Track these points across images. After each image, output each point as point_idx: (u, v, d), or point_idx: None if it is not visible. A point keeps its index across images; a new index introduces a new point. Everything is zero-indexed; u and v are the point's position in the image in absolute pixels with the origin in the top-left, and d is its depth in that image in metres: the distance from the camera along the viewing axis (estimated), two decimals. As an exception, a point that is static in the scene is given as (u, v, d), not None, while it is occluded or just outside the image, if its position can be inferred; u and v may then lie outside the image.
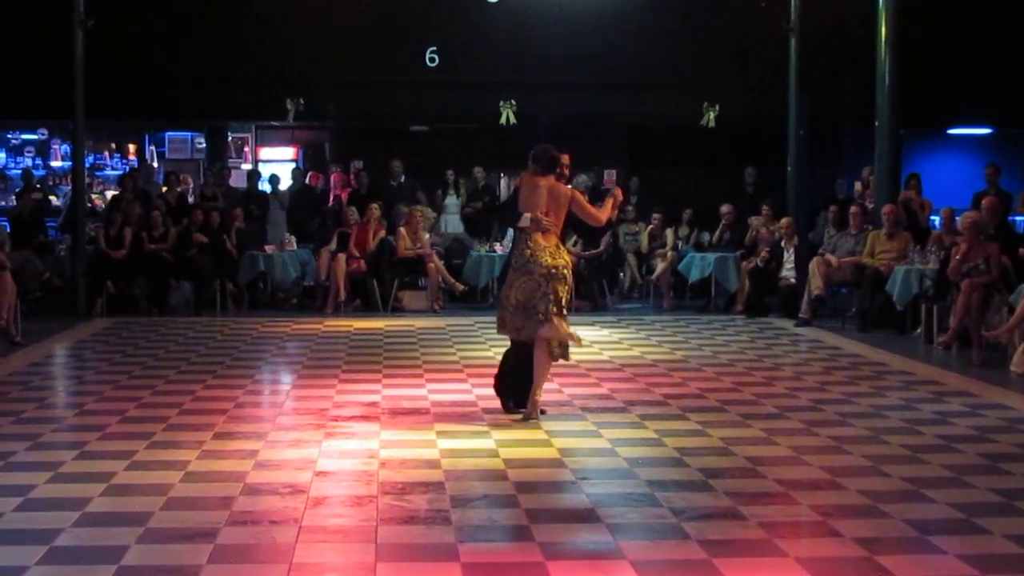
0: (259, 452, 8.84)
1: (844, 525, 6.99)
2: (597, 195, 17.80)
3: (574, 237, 17.35)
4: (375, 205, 19.66)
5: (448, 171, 21.97)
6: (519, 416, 10.12)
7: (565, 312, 10.14)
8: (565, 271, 10.11)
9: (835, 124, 23.46)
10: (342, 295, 18.82)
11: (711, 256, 19.41)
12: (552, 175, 10.26)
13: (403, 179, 21.60)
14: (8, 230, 18.86)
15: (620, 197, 11.01)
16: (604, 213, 10.62)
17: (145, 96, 23.01)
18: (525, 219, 10.11)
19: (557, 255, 10.10)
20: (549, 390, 11.20)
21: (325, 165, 25.05)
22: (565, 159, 10.57)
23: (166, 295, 19.03)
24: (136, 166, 24.21)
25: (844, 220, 18.13)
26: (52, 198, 22.79)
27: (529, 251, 10.10)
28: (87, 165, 21.32)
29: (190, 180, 22.98)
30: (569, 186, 10.62)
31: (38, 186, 22.43)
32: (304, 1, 22.04)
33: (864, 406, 10.94)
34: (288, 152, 26.14)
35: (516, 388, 10.35)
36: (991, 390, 11.79)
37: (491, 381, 10.73)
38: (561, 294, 10.06)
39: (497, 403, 10.56)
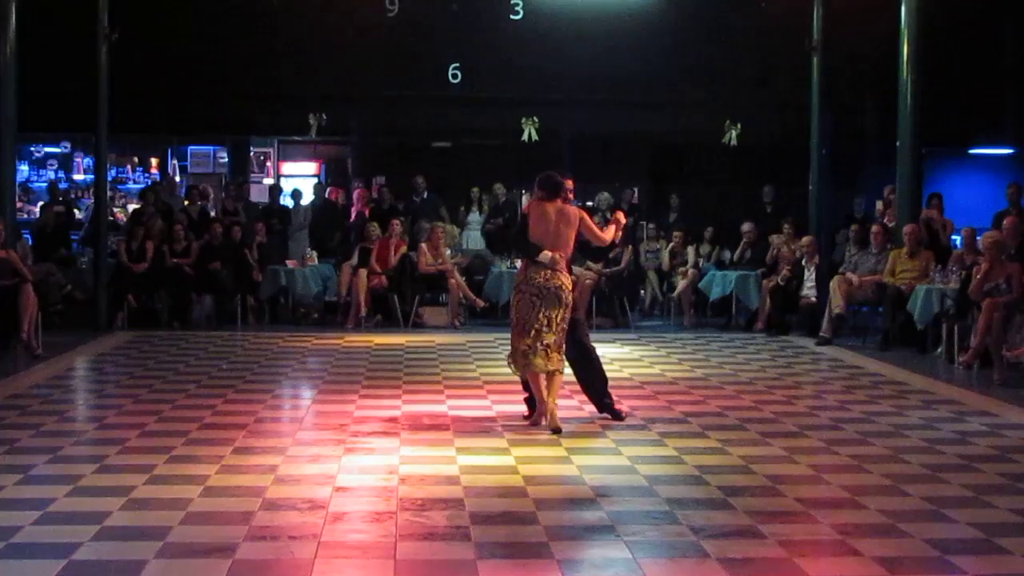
0: (279, 467, 8.84)
1: (864, 544, 6.97)
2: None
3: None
4: (397, 221, 19.69)
5: (473, 188, 22.00)
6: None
7: (553, 333, 10.44)
8: (561, 293, 10.44)
9: (857, 143, 23.44)
10: (363, 310, 18.83)
11: (732, 274, 19.38)
12: (558, 199, 10.59)
13: (426, 195, 21.62)
14: (31, 243, 18.95)
15: (622, 220, 11.32)
16: (608, 234, 11.04)
17: (168, 110, 23.13)
18: (546, 256, 10.46)
19: (552, 275, 10.43)
20: (568, 407, 11.22)
21: (347, 180, 25.11)
22: (569, 183, 10.76)
23: (187, 309, 19.08)
24: (159, 180, 24.29)
25: (865, 239, 18.08)
26: (76, 211, 22.85)
27: (519, 277, 10.65)
28: (109, 178, 21.39)
29: (211, 192, 23.03)
30: (577, 207, 10.88)
31: (60, 199, 22.51)
32: (327, 17, 22.09)
33: (884, 425, 10.90)
34: (310, 167, 26.20)
35: (594, 387, 10.97)
36: (1012, 410, 11.74)
37: (512, 397, 10.77)
38: (553, 315, 10.43)
39: (517, 420, 10.66)
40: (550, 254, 10.44)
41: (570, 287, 10.56)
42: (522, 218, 11.07)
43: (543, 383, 10.54)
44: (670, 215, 22.11)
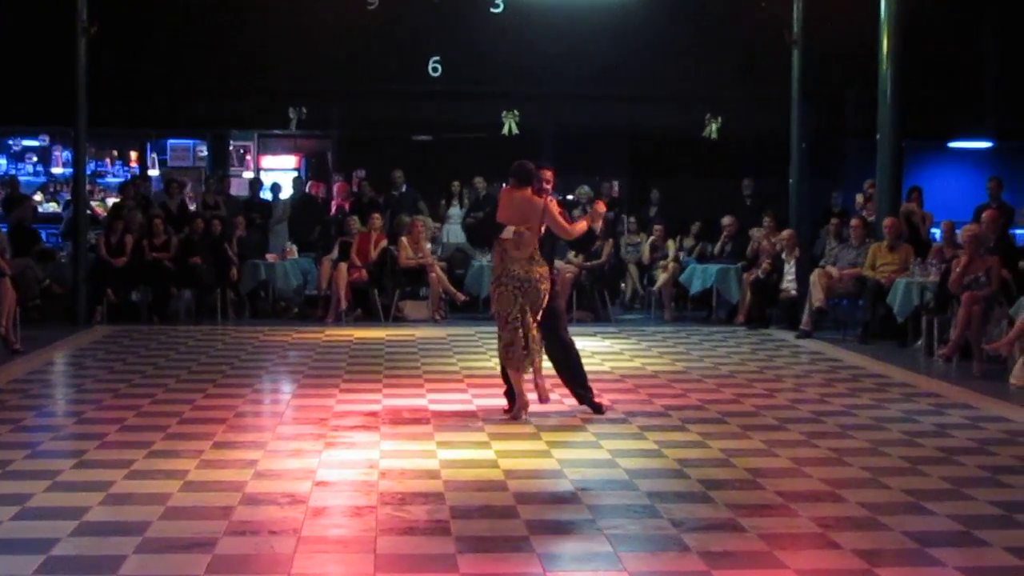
0: (259, 462, 8.83)
1: (844, 537, 6.98)
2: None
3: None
4: (377, 215, 19.67)
5: (454, 182, 21.99)
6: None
7: (532, 322, 10.50)
8: (540, 285, 10.47)
9: (837, 136, 23.49)
10: (343, 304, 18.80)
11: (713, 267, 19.39)
12: (527, 188, 10.60)
13: (405, 189, 21.58)
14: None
15: (601, 211, 11.14)
16: (577, 227, 10.77)
17: (147, 103, 23.06)
18: (508, 231, 10.53)
19: (531, 268, 10.46)
20: (550, 402, 11.22)
21: (327, 174, 25.08)
22: (547, 174, 10.72)
23: (167, 303, 19.03)
24: (138, 173, 24.22)
25: (843, 233, 18.12)
26: (52, 206, 22.77)
27: (497, 270, 10.68)
28: (88, 172, 21.30)
29: (188, 184, 22.94)
30: (549, 198, 10.75)
31: (32, 195, 22.39)
32: (307, 10, 22.05)
33: (864, 418, 10.93)
34: (290, 161, 26.17)
35: (572, 380, 10.96)
36: (991, 402, 11.78)
37: (492, 391, 10.77)
38: (535, 303, 10.50)
39: (498, 414, 10.67)
40: (512, 228, 10.50)
41: (548, 278, 10.54)
42: (494, 206, 11.08)
43: (525, 377, 10.56)
44: (650, 209, 22.15)
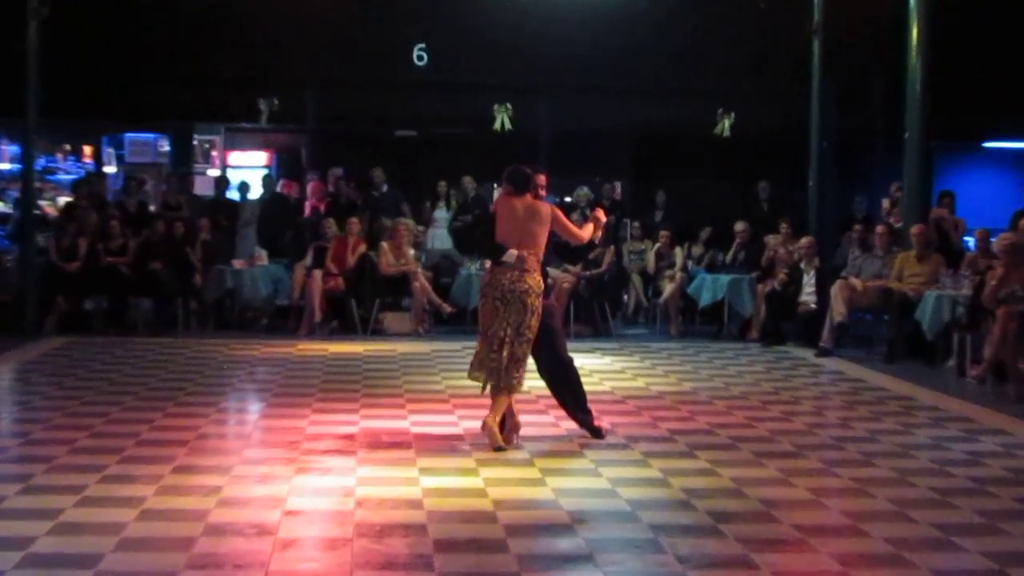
0: (223, 488, 8.81)
1: (867, 575, 6.99)
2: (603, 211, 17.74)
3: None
4: (355, 217, 19.66)
5: (440, 182, 21.98)
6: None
7: (523, 342, 10.45)
8: (527, 298, 10.43)
9: (861, 135, 23.53)
10: (318, 316, 18.78)
11: (724, 278, 19.40)
12: (528, 194, 10.62)
13: (386, 189, 21.56)
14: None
15: (602, 219, 11.21)
16: (586, 232, 10.98)
17: (104, 93, 23.02)
18: (511, 255, 10.48)
19: (520, 277, 10.44)
20: (543, 424, 11.23)
21: (301, 172, 25.08)
22: (540, 179, 10.78)
23: (124, 313, 19.00)
24: (93, 170, 24.20)
25: (867, 240, 18.13)
26: None
27: (484, 280, 10.73)
28: (38, 168, 21.29)
29: (148, 182, 22.92)
30: (549, 203, 10.84)
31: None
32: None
33: (890, 445, 10.93)
34: (260, 157, 26.17)
35: (571, 403, 10.94)
36: (1029, 429, 11.80)
37: (480, 412, 10.74)
38: (519, 323, 10.44)
39: (486, 439, 10.64)
40: (515, 252, 10.45)
41: (540, 290, 10.52)
42: (489, 216, 11.08)
43: (510, 398, 10.52)
44: (656, 213, 22.16)
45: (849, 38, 20.57)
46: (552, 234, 10.73)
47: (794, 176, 21.12)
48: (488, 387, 10.56)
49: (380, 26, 22.83)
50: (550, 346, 10.74)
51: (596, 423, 10.97)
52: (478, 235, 11.58)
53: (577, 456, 10.27)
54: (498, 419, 10.45)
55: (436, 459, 9.97)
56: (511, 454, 10.21)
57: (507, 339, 10.40)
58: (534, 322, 10.47)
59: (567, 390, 10.93)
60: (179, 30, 22.43)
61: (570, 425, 11.07)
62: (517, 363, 10.43)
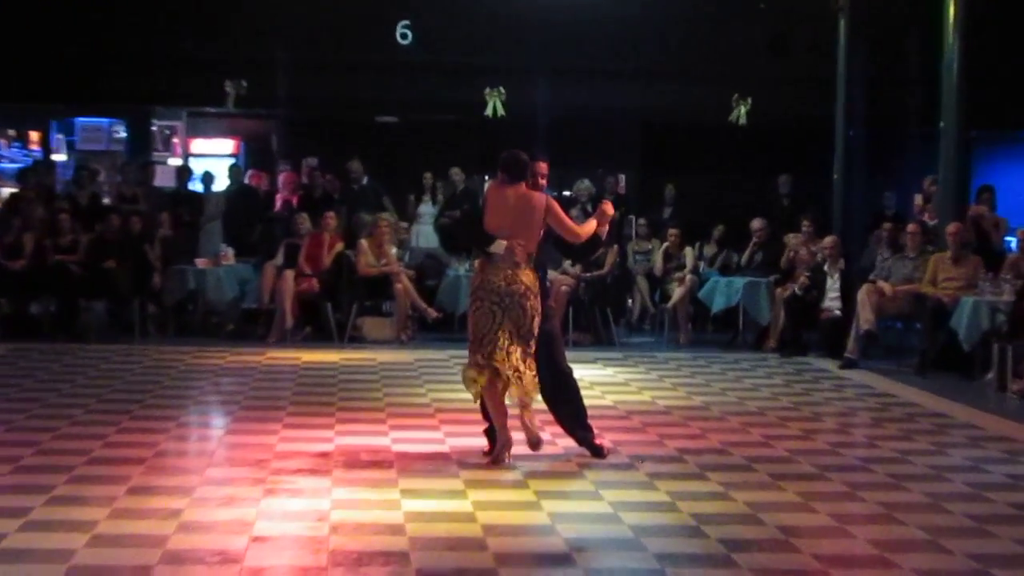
0: (183, 511, 8.80)
1: (895, 612, 6.99)
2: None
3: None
4: (332, 212, 19.64)
5: (426, 174, 21.97)
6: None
7: (516, 347, 10.42)
8: (525, 300, 10.41)
9: (892, 123, 23.53)
10: (289, 321, 18.78)
11: (739, 281, 19.39)
12: (523, 183, 10.60)
13: (366, 181, 21.56)
14: None
15: (609, 212, 11.06)
16: (586, 228, 10.82)
17: (53, 73, 23.00)
18: (499, 246, 10.45)
19: (514, 277, 10.42)
20: (541, 447, 11.22)
21: (271, 162, 25.06)
22: (542, 167, 10.78)
23: (74, 316, 18.99)
24: (40, 158, 24.19)
25: (899, 240, 18.14)
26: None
27: (475, 280, 10.64)
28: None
29: (102, 173, 22.90)
30: (544, 194, 10.78)
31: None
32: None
33: (922, 466, 10.93)
34: (226, 145, 26.19)
35: (570, 418, 10.91)
36: (1076, 450, 11.82)
37: (469, 428, 10.75)
38: (518, 327, 10.43)
39: (476, 456, 10.64)
40: (504, 243, 10.43)
41: (537, 290, 10.51)
42: (480, 204, 11.07)
43: (505, 410, 10.53)
44: (664, 209, 22.18)
45: (879, 14, 20.59)
46: (548, 229, 10.68)
47: (817, 168, 21.14)
48: (477, 394, 10.56)
49: (360, 2, 22.83)
50: (547, 354, 10.72)
51: (597, 441, 10.97)
52: (465, 222, 11.56)
53: (576, 477, 10.27)
54: (531, 411, 10.60)
55: (420, 480, 9.96)
56: (503, 475, 10.20)
57: (504, 345, 10.38)
58: (535, 325, 10.47)
59: (565, 404, 10.93)
60: (137, 4, 22.41)
61: (568, 443, 11.07)
62: (518, 371, 10.41)
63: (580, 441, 10.93)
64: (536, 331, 10.50)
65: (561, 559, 7.93)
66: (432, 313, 19.09)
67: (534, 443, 10.62)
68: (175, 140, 25.87)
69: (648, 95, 24.14)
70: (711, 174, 24.04)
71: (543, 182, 10.82)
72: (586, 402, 11.14)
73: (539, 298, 10.52)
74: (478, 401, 10.68)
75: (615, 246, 19.35)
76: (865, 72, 20.57)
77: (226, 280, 19.63)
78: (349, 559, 7.76)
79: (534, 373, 10.49)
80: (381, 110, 25.22)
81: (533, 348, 10.51)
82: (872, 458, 11.24)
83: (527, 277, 10.46)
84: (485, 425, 10.87)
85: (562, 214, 10.74)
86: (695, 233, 20.88)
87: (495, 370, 10.40)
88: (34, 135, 25.31)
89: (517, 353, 10.41)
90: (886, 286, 17.30)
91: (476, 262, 10.78)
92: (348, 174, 21.60)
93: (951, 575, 7.70)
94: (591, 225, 10.87)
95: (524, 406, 10.56)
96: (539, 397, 10.74)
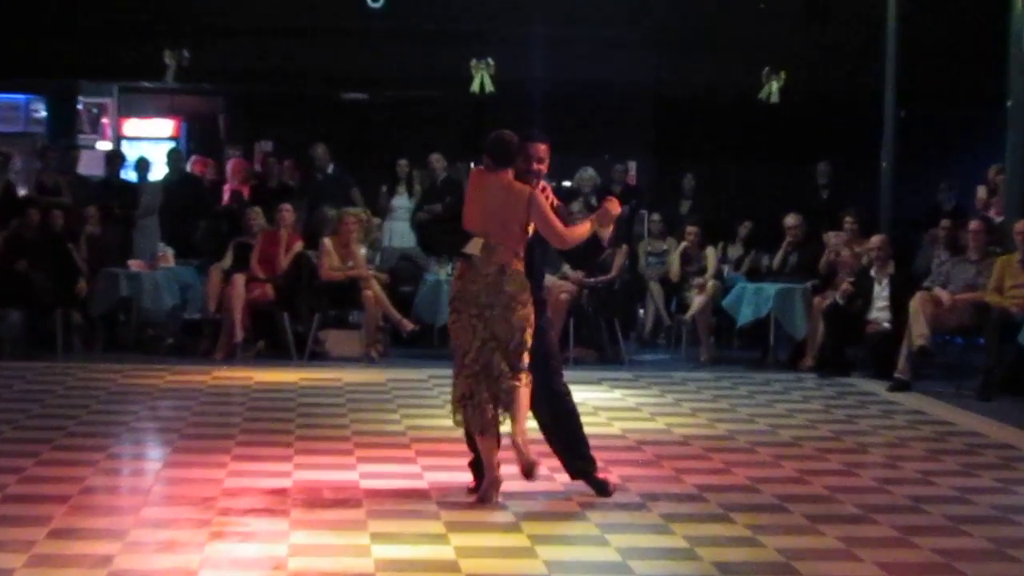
0: (115, 558, 8.81)
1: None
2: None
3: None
4: (289, 206, 19.65)
5: (400, 161, 21.95)
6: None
7: (504, 365, 10.36)
8: (513, 313, 10.29)
9: (952, 102, 23.56)
10: (239, 334, 18.78)
11: (769, 288, 19.38)
12: (508, 170, 10.41)
13: (331, 170, 21.59)
14: None
15: (614, 212, 10.74)
16: (578, 230, 10.57)
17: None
18: (474, 245, 10.30)
19: (499, 284, 10.27)
20: (536, 478, 11.23)
21: (218, 147, 25.09)
22: (539, 149, 10.54)
23: (-16, 329, 19.05)
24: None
25: (959, 241, 18.15)
26: None
27: (454, 288, 10.56)
28: None
29: (17, 159, 22.90)
30: (542, 185, 10.57)
31: None
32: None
33: (984, 507, 10.96)
34: (165, 127, 26.21)
35: (566, 448, 10.85)
36: None
37: (451, 461, 10.76)
38: (507, 337, 10.32)
39: (460, 493, 10.64)
40: (480, 242, 10.25)
41: (526, 298, 10.39)
42: (459, 196, 10.97)
43: (496, 442, 10.51)
44: (682, 203, 22.21)
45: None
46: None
47: (863, 155, 21.16)
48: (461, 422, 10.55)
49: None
50: (541, 374, 10.71)
51: (601, 476, 10.98)
52: (444, 221, 11.45)
53: (577, 519, 10.28)
54: (524, 430, 10.38)
55: (393, 522, 9.97)
56: (491, 516, 10.20)
57: (486, 364, 10.33)
58: (527, 337, 10.38)
59: (561, 432, 10.90)
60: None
61: (567, 478, 11.09)
62: (516, 375, 10.37)
63: (578, 475, 10.90)
64: (529, 343, 10.45)
65: (560, 615, 7.96)
66: (408, 325, 19.07)
67: (528, 469, 10.43)
68: (104, 120, 25.87)
69: (663, 68, 24.15)
70: (737, 161, 24.08)
71: (541, 168, 10.56)
72: (590, 430, 11.15)
73: (528, 307, 10.42)
74: (463, 429, 10.68)
75: (624, 246, 19.36)
76: (919, 41, 20.58)
77: (165, 286, 19.63)
78: (310, 615, 7.78)
79: (529, 387, 10.43)
80: (348, 86, 25.23)
81: (527, 361, 10.40)
82: (927, 497, 11.25)
83: (513, 284, 10.29)
84: (471, 457, 10.85)
85: (547, 211, 10.40)
86: (718, 231, 20.90)
87: (479, 392, 10.37)
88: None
89: (504, 368, 10.36)
90: (944, 294, 17.33)
91: (458, 265, 10.66)
92: (310, 161, 21.62)
93: (1019, 634, 7.73)
94: (585, 226, 10.62)
95: (515, 422, 10.47)
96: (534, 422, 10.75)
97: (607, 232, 10.71)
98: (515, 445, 10.40)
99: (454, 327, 10.55)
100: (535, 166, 10.50)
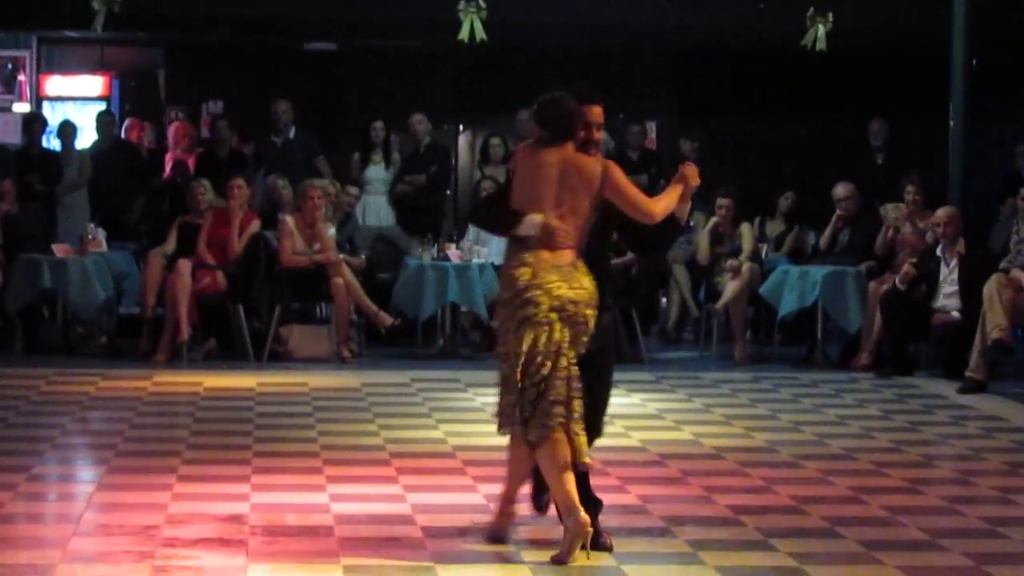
0: (40, 598, 8.86)
1: None
2: (629, 168, 17.58)
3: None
4: (242, 180, 19.65)
5: (375, 123, 21.92)
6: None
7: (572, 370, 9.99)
8: (587, 311, 9.86)
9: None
10: (185, 332, 18.80)
11: (817, 272, 19.39)
12: (569, 143, 10.01)
13: (292, 134, 21.60)
14: None
15: (694, 179, 10.20)
16: (661, 202, 10.05)
17: None
18: (531, 223, 9.80)
19: (578, 281, 9.87)
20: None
21: (158, 108, 25.11)
22: (595, 113, 10.17)
23: None
24: None
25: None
26: None
27: (524, 275, 9.88)
28: None
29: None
30: (600, 157, 10.16)
31: None
32: None
33: (1075, 530, 11.01)
34: (94, 85, 26.21)
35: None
36: None
37: (439, 480, 10.77)
38: (581, 342, 9.88)
39: (447, 521, 10.63)
40: (538, 220, 9.70)
41: (595, 299, 9.92)
42: (506, 180, 10.70)
43: (521, 469, 10.23)
44: (711, 171, 22.22)
45: None
46: (607, 209, 10.06)
47: (926, 112, 21.19)
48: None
49: None
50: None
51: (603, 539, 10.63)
52: (484, 201, 11.03)
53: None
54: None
55: (372, 556, 9.99)
56: (486, 546, 10.16)
57: (563, 380, 9.86)
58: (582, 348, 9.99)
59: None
60: None
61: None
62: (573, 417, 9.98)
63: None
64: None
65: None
66: (385, 319, 19.09)
67: (495, 535, 10.21)
68: (21, 78, 25.90)
69: (686, 12, 24.15)
70: (777, 121, 24.10)
71: (597, 136, 10.20)
72: (603, 442, 11.14)
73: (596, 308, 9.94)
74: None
75: (680, 234, 19.21)
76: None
77: (95, 275, 19.61)
78: (273, 664, 7.83)
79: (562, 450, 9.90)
80: (313, 35, 25.25)
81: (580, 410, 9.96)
82: (1004, 519, 11.29)
83: (588, 279, 9.85)
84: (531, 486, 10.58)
85: (628, 184, 10.00)
86: (754, 204, 20.91)
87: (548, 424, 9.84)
88: None
89: (577, 393, 9.92)
90: (1024, 277, 17.38)
91: (508, 250, 10.02)
92: (268, 123, 21.60)
93: None
94: (672, 197, 10.09)
95: (578, 451, 9.94)
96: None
97: (686, 207, 10.29)
98: (566, 492, 9.82)
99: (524, 326, 9.80)
100: (593, 133, 10.14)
